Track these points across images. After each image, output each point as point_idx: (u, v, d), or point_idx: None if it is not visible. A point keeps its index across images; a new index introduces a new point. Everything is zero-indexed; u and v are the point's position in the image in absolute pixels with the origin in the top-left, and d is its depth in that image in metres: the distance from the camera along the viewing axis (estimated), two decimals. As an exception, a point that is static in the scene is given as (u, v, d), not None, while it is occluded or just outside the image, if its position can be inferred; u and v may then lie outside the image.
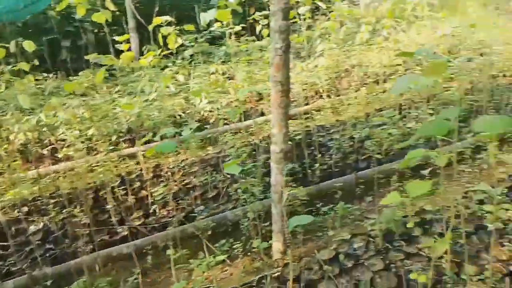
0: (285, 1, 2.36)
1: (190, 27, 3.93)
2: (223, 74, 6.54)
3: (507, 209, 2.78)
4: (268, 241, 3.07)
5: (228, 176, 4.03)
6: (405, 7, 3.87)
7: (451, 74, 5.99)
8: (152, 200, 3.83)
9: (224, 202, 3.79)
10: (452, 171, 3.66)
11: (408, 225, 2.78)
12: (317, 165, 4.01)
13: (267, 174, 3.48)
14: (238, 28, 4.62)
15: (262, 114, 5.77)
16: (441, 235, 2.42)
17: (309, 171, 3.98)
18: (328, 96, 5.78)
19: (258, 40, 6.35)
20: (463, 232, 2.76)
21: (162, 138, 4.40)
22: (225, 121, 5.02)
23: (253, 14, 6.10)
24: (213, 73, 6.34)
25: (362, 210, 3.46)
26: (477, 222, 2.82)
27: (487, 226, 2.71)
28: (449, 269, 2.29)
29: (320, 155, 4.25)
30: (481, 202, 2.96)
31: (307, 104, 6.04)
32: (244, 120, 5.40)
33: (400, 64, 6.29)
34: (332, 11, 4.28)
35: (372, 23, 7.77)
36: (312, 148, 4.35)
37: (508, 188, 3.05)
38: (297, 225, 2.01)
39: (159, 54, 4.57)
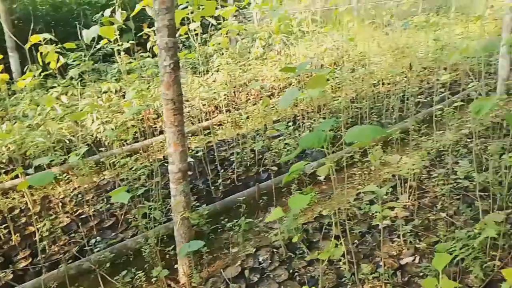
0: (169, 18, 2.30)
1: (70, 44, 3.65)
2: (117, 92, 6.22)
3: (393, 207, 3.03)
4: (174, 266, 2.94)
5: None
6: (291, 23, 4.09)
7: (338, 84, 6.47)
8: (40, 237, 3.43)
9: (124, 229, 3.55)
10: (344, 174, 3.90)
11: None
12: (220, 180, 3.98)
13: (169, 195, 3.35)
14: (127, 44, 4.43)
15: (162, 132, 5.60)
16: (338, 237, 2.53)
17: (213, 187, 3.93)
18: (228, 111, 5.83)
19: (153, 56, 6.19)
20: (358, 232, 2.94)
21: (36, 169, 3.98)
22: (121, 142, 4.75)
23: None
24: (105, 92, 5.99)
25: (266, 221, 3.50)
26: (370, 222, 3.03)
27: (379, 225, 2.92)
28: (347, 270, 2.40)
29: (223, 170, 4.23)
30: (371, 202, 3.18)
31: (207, 119, 6.02)
32: (144, 139, 5.19)
33: (294, 77, 6.61)
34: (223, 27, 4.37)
35: (265, 38, 8.09)
36: (215, 163, 4.32)
37: (392, 187, 3.32)
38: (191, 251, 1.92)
39: (39, 75, 4.16)
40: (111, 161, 4.19)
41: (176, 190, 2.84)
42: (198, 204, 3.62)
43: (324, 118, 5.21)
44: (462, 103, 4.30)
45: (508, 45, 5.06)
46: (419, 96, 5.75)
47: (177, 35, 4.48)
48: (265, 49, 8.34)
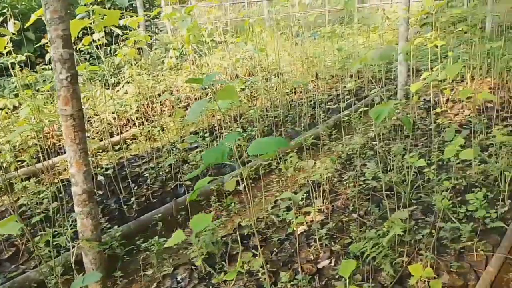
0: (63, 28, 2.11)
1: None
2: (16, 108, 5.66)
3: (309, 212, 3.10)
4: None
5: (29, 227, 3.41)
6: (201, 33, 4.07)
7: (253, 93, 6.56)
8: None
9: (25, 260, 3.19)
10: (262, 182, 3.93)
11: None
12: (133, 198, 3.77)
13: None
14: (22, 57, 4.03)
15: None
16: (256, 247, 2.51)
17: (126, 206, 3.70)
18: (141, 123, 5.59)
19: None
20: (277, 240, 2.95)
21: None
22: (19, 164, 4.30)
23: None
24: (1, 109, 5.42)
25: (185, 238, 3.37)
26: (287, 228, 3.06)
27: (296, 230, 2.96)
28: (268, 280, 2.38)
29: (136, 187, 4.01)
30: (288, 208, 3.22)
31: (120, 133, 5.72)
32: (48, 159, 4.75)
33: (209, 87, 6.57)
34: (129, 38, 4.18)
35: (179, 48, 7.95)
36: (128, 180, 4.08)
37: (308, 192, 3.40)
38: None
39: None
40: (9, 185, 3.76)
41: (82, 213, 2.62)
42: (109, 225, 3.38)
43: (242, 127, 5.23)
44: (366, 108, 4.56)
45: (404, 53, 5.52)
46: (329, 103, 6.04)
47: (80, 45, 4.20)
48: (179, 59, 8.20)
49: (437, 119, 4.70)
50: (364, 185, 3.45)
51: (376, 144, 4.33)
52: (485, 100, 5.33)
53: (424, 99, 5.71)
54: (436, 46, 4.27)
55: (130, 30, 4.52)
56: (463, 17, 9.26)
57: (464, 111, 4.95)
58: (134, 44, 4.20)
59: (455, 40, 7.27)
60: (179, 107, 6.20)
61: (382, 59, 2.43)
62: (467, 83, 5.78)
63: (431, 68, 6.23)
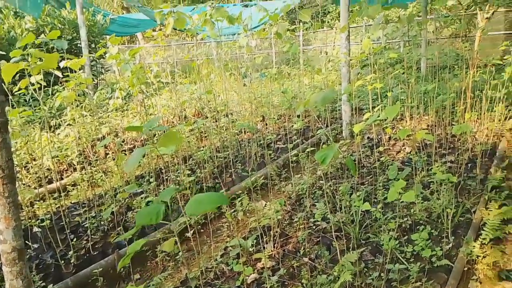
0: (-12, 74, 1.96)
1: None
2: None
3: (258, 259, 3.00)
4: None
5: None
6: (146, 75, 4.02)
7: (202, 134, 6.50)
8: None
9: None
10: (209, 229, 3.81)
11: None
12: (71, 252, 3.48)
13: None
14: None
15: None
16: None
17: (63, 261, 3.41)
18: (83, 168, 5.30)
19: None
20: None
21: None
22: None
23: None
24: None
25: (128, 293, 3.14)
26: (238, 278, 2.93)
27: (247, 280, 2.84)
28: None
29: (76, 239, 3.73)
30: (238, 255, 3.10)
31: (60, 179, 5.38)
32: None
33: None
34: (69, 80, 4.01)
35: (125, 89, 7.79)
36: (67, 231, 3.79)
37: (258, 236, 3.32)
38: None
39: None
40: None
41: (11, 273, 2.36)
42: (44, 284, 3.08)
43: (191, 169, 5.11)
44: (313, 148, 4.63)
45: (347, 94, 5.75)
46: (278, 142, 6.10)
47: (16, 89, 3.97)
48: (126, 100, 8.03)
49: (381, 156, 4.87)
50: (314, 227, 3.43)
51: (324, 183, 4.38)
52: (424, 138, 5.64)
53: (368, 137, 5.92)
54: (376, 88, 4.49)
55: (72, 72, 4.35)
56: (400, 59, 9.94)
57: (405, 148, 5.17)
58: (75, 86, 4.02)
59: (393, 80, 7.74)
60: (124, 150, 5.98)
61: (323, 102, 2.47)
62: (406, 121, 6.10)
63: (373, 108, 6.51)
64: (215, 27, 4.30)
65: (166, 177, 4.80)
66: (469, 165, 4.37)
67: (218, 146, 5.88)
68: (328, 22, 17.72)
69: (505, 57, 5.75)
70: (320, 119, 7.41)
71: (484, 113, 5.38)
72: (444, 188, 3.36)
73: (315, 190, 4.17)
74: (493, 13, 9.18)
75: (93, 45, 10.06)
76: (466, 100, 5.41)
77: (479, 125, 5.50)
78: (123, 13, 22.08)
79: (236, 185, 4.66)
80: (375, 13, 4.28)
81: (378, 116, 3.36)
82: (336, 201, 3.76)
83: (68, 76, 4.24)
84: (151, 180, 4.51)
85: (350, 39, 6.21)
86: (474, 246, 2.88)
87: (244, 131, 6.51)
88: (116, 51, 4.72)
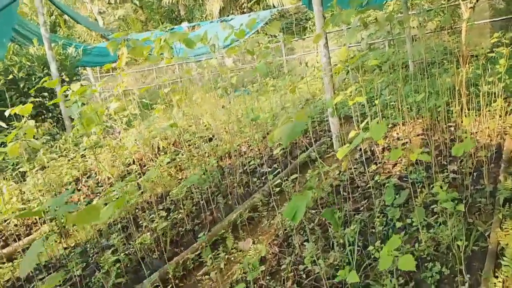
0: None
1: None
2: None
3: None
4: None
5: None
6: (99, 114, 3.65)
7: (183, 163, 6.02)
8: None
9: None
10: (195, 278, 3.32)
11: None
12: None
13: None
14: None
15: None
16: None
17: None
18: (54, 219, 4.81)
19: None
20: None
21: None
22: None
23: None
24: None
25: None
26: None
27: None
28: None
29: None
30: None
31: (29, 234, 4.89)
32: None
33: (135, 163, 5.96)
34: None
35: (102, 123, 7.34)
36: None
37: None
38: None
39: None
40: None
41: None
42: None
43: (167, 209, 4.62)
44: (295, 176, 4.16)
45: (332, 108, 5.29)
46: (264, 166, 5.62)
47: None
48: (103, 134, 7.57)
49: (376, 172, 4.39)
50: (304, 276, 2.93)
51: (315, 212, 3.89)
52: (421, 145, 5.17)
53: (361, 149, 5.45)
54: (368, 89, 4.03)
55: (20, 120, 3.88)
56: (387, 58, 9.54)
57: (402, 160, 4.70)
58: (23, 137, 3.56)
59: (382, 82, 7.29)
60: (99, 193, 5.50)
61: (289, 138, 2.01)
62: (399, 127, 5.63)
63: (362, 115, 6.04)
64: (173, 51, 3.87)
65: (141, 221, 4.31)
66: (475, 174, 3.89)
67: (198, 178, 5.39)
68: (310, 28, 17.38)
69: (495, 48, 5.35)
70: (308, 133, 6.95)
71: (483, 111, 4.92)
72: (449, 211, 2.88)
73: (305, 223, 3.68)
74: (476, 1, 8.80)
75: (67, 79, 9.63)
76: (461, 99, 4.96)
77: (479, 124, 5.04)
78: (102, 41, 21.80)
79: (218, 224, 4.16)
80: (349, 18, 3.85)
81: (365, 135, 2.92)
82: (329, 234, 3.27)
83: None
84: (126, 225, 4.02)
85: (334, 43, 5.82)
86: (495, 284, 2.39)
87: (229, 156, 6.03)
88: (77, 87, 4.26)
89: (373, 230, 3.24)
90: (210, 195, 4.73)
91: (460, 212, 2.95)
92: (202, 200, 4.64)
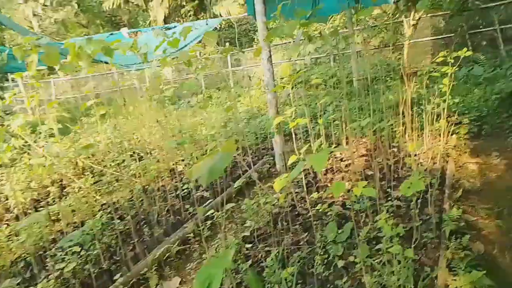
0: None
1: None
2: None
3: None
4: None
5: None
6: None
7: (109, 185, 5.40)
8: None
9: None
10: None
11: None
12: None
13: None
14: None
15: None
16: None
17: None
18: None
19: None
20: None
21: None
22: None
23: None
24: None
25: None
26: None
27: None
28: None
29: None
30: None
31: None
32: None
33: (57, 182, 5.25)
34: None
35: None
36: None
37: None
38: None
39: None
40: None
41: None
42: None
43: (81, 244, 3.99)
44: (231, 204, 3.73)
45: (275, 127, 4.94)
46: (200, 188, 5.14)
47: None
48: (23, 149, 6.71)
49: (318, 199, 4.07)
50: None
51: (251, 246, 3.47)
52: (364, 167, 4.93)
53: (304, 170, 5.13)
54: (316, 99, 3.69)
55: None
56: (332, 74, 9.43)
57: (344, 183, 4.40)
58: None
59: (326, 98, 7.08)
60: (7, 221, 4.74)
61: (211, 176, 1.58)
62: (342, 146, 5.39)
63: (305, 132, 5.75)
64: (91, 59, 3.32)
65: (51, 255, 3.66)
66: (419, 202, 3.66)
67: (124, 203, 4.80)
68: (257, 39, 17.19)
69: (438, 66, 5.28)
70: (251, 150, 6.56)
71: (426, 132, 4.78)
72: (396, 252, 2.56)
73: (239, 262, 3.24)
74: (418, 20, 8.94)
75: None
76: (404, 119, 4.80)
77: (422, 144, 4.89)
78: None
79: (142, 261, 3.62)
80: (292, 30, 3.50)
81: (304, 165, 2.56)
82: (265, 277, 2.86)
83: None
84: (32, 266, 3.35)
85: (281, 56, 5.47)
86: None
87: (161, 177, 5.47)
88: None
89: (313, 271, 2.86)
90: (135, 225, 4.17)
91: (407, 260, 2.64)
92: (125, 231, 4.07)
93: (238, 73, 13.43)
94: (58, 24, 24.38)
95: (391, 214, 3.48)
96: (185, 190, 4.98)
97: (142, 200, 4.64)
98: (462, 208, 3.57)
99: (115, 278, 3.31)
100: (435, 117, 4.83)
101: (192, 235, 3.96)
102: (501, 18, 8.89)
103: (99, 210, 4.63)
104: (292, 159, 3.21)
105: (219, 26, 18.85)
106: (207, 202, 4.65)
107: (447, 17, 10.30)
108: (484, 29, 9.40)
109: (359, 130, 5.54)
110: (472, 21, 9.52)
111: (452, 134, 5.31)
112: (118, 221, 4.20)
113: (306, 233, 3.46)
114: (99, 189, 5.15)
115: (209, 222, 4.05)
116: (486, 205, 3.71)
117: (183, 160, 6.08)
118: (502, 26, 8.87)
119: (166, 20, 16.70)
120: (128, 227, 4.10)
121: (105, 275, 3.41)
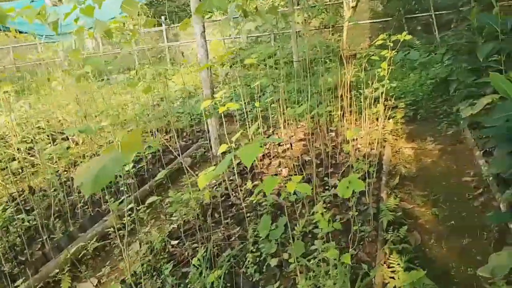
0: None
1: None
2: None
3: None
4: None
5: None
6: None
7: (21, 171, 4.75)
8: None
9: None
10: None
11: None
12: None
13: None
14: None
15: None
16: None
17: None
18: None
19: None
20: None
21: None
22: None
23: None
24: None
25: None
26: None
27: None
28: None
29: None
30: None
31: None
32: None
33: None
34: None
35: None
36: None
37: None
38: None
39: None
40: None
41: None
42: None
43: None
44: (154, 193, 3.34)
45: (207, 111, 4.55)
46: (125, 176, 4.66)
47: None
48: None
49: (254, 187, 3.80)
50: None
51: (177, 243, 3.14)
52: (302, 152, 4.74)
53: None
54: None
55: None
56: (272, 54, 9.14)
57: (281, 170, 4.19)
58: None
59: (264, 79, 6.80)
60: None
61: (98, 184, 1.21)
62: (281, 130, 5.16)
63: (242, 115, 5.44)
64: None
65: None
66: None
67: (33, 191, 4.23)
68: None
69: (376, 49, 5.18)
70: (185, 133, 6.14)
71: (364, 117, 4.67)
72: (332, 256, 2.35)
73: (162, 260, 2.89)
74: (357, 2, 8.87)
75: None
76: (343, 103, 4.65)
77: (360, 130, 4.79)
78: None
79: (52, 261, 3.15)
80: (222, 3, 3.13)
81: (233, 156, 2.28)
82: (190, 282, 2.55)
83: None
84: None
85: (220, 34, 5.05)
86: None
87: (80, 164, 4.91)
88: None
89: (245, 272, 2.60)
90: (47, 219, 3.65)
91: (343, 267, 2.43)
92: (34, 226, 3.54)
93: (175, 49, 12.70)
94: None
95: (328, 204, 3.31)
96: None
97: (56, 189, 4.09)
98: (400, 196, 3.49)
99: (16, 284, 2.84)
100: (373, 101, 4.73)
101: (112, 229, 3.54)
102: (436, 4, 9.07)
103: (6, 202, 4.02)
104: (222, 148, 2.88)
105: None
106: (130, 194, 4.21)
107: (385, 1, 10.38)
108: (420, 15, 9.57)
109: (297, 114, 5.33)
110: (408, 6, 9.64)
111: (389, 119, 5.27)
112: (25, 214, 3.65)
113: (239, 227, 3.18)
114: (6, 176, 4.50)
115: (133, 214, 3.64)
116: (422, 192, 3.66)
117: (109, 143, 5.53)
118: (437, 12, 9.06)
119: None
120: (37, 222, 3.56)
121: (5, 279, 2.91)
